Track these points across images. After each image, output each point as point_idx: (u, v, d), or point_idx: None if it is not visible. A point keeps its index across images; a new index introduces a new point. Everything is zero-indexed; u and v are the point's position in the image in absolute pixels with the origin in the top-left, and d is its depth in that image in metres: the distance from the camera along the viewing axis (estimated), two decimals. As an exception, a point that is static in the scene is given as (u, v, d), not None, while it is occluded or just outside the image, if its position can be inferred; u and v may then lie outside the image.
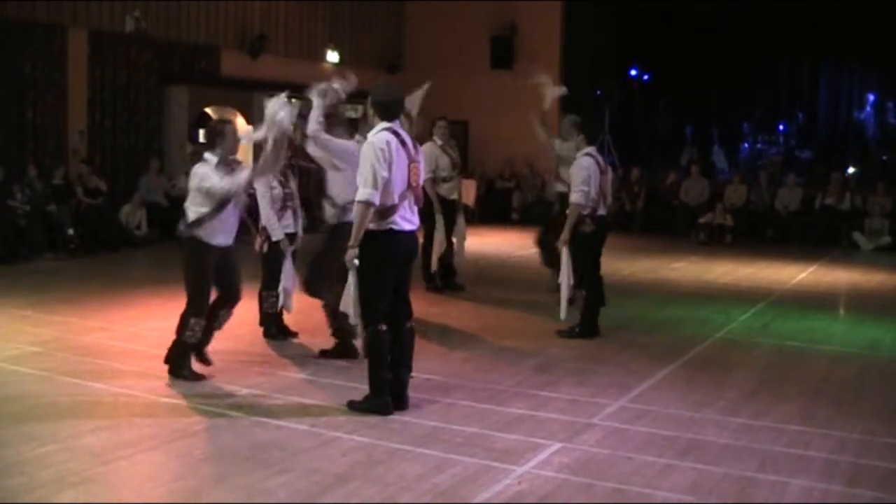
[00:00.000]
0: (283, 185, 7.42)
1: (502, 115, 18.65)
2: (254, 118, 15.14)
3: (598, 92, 18.69)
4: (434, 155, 9.79)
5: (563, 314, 8.18)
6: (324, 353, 7.17)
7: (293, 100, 6.43)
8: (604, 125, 17.72)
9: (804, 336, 8.57)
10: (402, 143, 5.66)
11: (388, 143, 5.56)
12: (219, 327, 6.60)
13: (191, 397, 6.04)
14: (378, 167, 5.49)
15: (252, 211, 7.31)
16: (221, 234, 6.34)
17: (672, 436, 5.49)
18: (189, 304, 6.36)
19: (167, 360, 6.45)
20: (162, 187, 14.92)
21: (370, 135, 5.68)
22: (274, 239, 7.37)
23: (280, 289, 7.40)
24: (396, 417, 5.66)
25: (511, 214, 18.91)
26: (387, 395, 5.71)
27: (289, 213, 7.48)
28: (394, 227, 5.62)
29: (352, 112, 10.95)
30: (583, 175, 7.92)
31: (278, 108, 6.18)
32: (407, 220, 5.70)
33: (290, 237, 7.47)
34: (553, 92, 9.73)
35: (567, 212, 8.09)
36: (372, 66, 19.35)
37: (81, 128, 14.35)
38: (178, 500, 4.39)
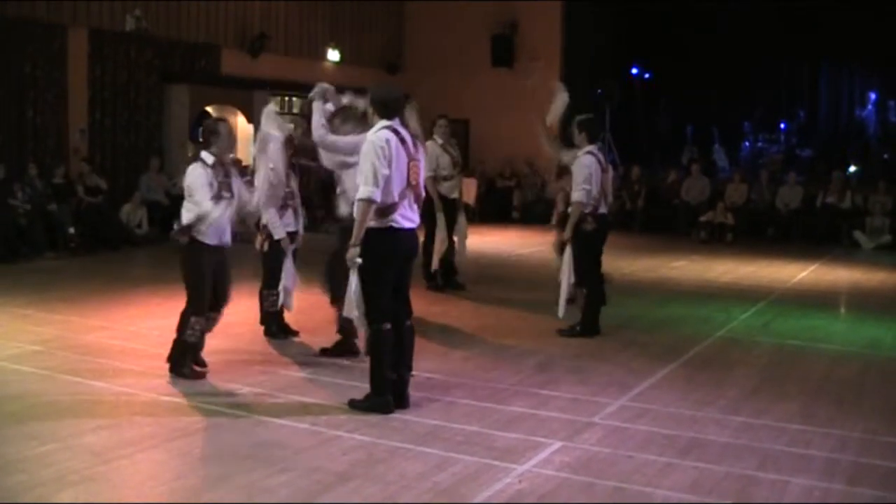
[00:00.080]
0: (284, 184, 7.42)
1: (503, 114, 18.66)
2: (254, 117, 15.16)
3: (599, 91, 18.67)
4: (435, 154, 9.77)
5: (560, 312, 8.18)
6: (324, 352, 7.17)
7: (275, 102, 6.60)
8: (604, 124, 17.71)
9: (805, 335, 8.57)
10: (402, 141, 5.66)
11: (387, 140, 5.57)
12: (208, 329, 6.56)
13: (191, 396, 6.04)
14: (378, 165, 5.49)
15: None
16: (214, 233, 6.33)
17: (673, 434, 5.49)
18: (188, 303, 6.37)
19: (169, 359, 6.46)
20: (162, 186, 14.92)
21: (370, 133, 5.68)
22: (275, 238, 7.37)
23: (280, 287, 7.41)
24: (397, 416, 5.66)
25: (511, 213, 18.91)
26: (388, 394, 5.71)
27: (290, 212, 7.49)
28: (394, 224, 5.63)
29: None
30: (584, 173, 7.92)
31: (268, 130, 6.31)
32: (407, 218, 5.70)
33: (291, 236, 7.48)
34: (561, 102, 9.29)
35: (569, 210, 8.11)
36: (372, 66, 19.37)
37: (82, 127, 14.36)
38: (178, 499, 4.39)
